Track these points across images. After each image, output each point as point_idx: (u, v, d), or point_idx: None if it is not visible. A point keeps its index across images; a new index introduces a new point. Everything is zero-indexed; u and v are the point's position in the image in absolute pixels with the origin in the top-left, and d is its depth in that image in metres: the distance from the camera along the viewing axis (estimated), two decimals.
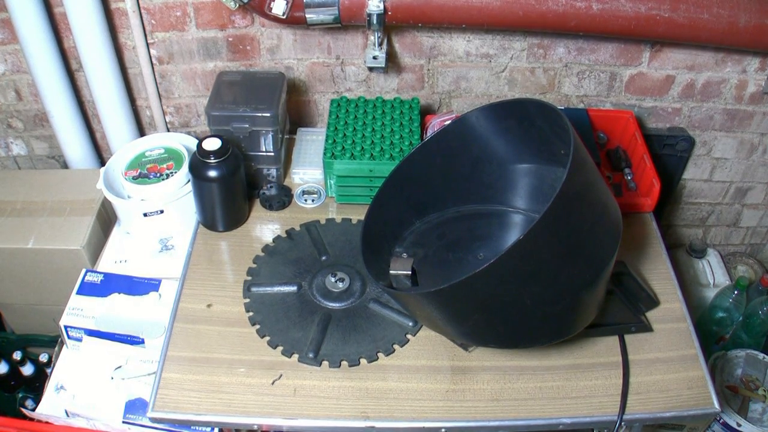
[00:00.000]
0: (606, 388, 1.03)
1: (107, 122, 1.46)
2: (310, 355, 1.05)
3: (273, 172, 1.33)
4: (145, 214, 1.25)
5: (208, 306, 1.13)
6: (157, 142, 1.34)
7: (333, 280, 1.16)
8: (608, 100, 1.53)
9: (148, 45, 1.39)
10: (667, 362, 1.07)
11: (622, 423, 1.00)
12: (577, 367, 1.06)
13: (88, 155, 1.54)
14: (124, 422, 1.09)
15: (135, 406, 1.10)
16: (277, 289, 1.16)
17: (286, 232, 1.26)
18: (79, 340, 1.18)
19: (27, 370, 1.46)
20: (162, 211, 1.25)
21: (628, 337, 1.10)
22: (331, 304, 1.13)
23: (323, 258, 1.21)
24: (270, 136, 1.26)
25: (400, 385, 1.03)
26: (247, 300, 1.14)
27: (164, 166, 1.28)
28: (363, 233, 1.06)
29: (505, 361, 1.06)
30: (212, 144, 1.17)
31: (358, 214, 1.29)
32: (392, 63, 1.44)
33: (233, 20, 1.37)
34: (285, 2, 1.22)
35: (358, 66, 1.45)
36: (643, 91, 1.50)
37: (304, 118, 1.56)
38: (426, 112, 1.51)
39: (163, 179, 1.25)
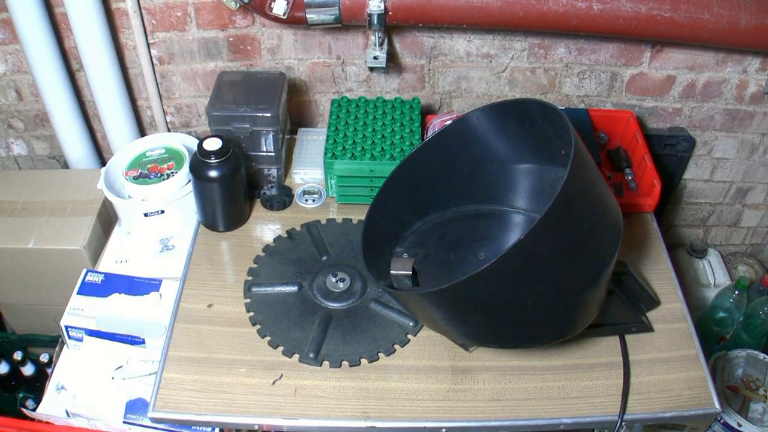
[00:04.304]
0: (607, 388, 1.03)
1: (108, 122, 1.46)
2: (311, 355, 1.05)
3: (274, 172, 1.33)
4: (145, 214, 1.25)
5: (209, 306, 1.13)
6: (157, 142, 1.34)
7: (334, 280, 1.16)
8: (609, 100, 1.53)
9: (148, 45, 1.39)
10: (667, 362, 1.07)
11: (623, 423, 1.00)
12: (577, 367, 1.06)
13: (88, 155, 1.54)
14: (124, 422, 1.09)
15: (136, 406, 1.10)
16: (277, 289, 1.16)
17: (287, 232, 1.26)
18: (80, 340, 1.18)
19: (28, 370, 1.46)
20: (163, 211, 1.26)
21: (628, 337, 1.10)
22: (331, 304, 1.13)
23: (324, 258, 1.21)
24: (271, 136, 1.26)
25: (400, 385, 1.03)
26: (248, 300, 1.14)
27: (165, 166, 1.28)
28: (364, 233, 1.06)
29: (505, 361, 1.06)
30: (213, 144, 1.17)
31: (358, 214, 1.29)
32: (393, 63, 1.44)
33: (234, 20, 1.37)
34: (286, 2, 1.22)
35: (359, 66, 1.45)
36: (643, 91, 1.50)
37: (304, 118, 1.56)
38: (427, 112, 1.51)
39: (163, 179, 1.26)
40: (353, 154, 1.25)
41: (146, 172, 1.27)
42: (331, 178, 1.28)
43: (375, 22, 1.22)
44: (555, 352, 1.08)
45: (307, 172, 1.38)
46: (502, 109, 1.07)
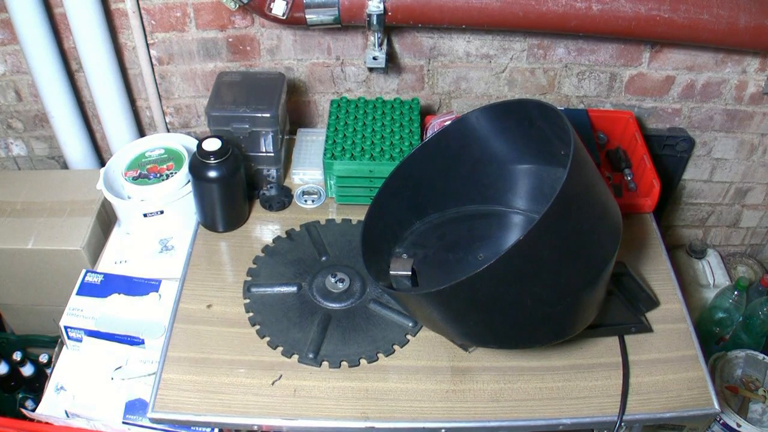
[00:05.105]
0: (606, 389, 1.03)
1: (107, 123, 1.46)
2: (310, 356, 1.05)
3: (273, 172, 1.33)
4: (145, 215, 1.25)
5: (208, 306, 1.13)
6: (157, 142, 1.34)
7: (333, 280, 1.16)
8: (608, 101, 1.53)
9: (148, 45, 1.39)
10: (667, 363, 1.07)
11: (622, 423, 1.00)
12: (577, 367, 1.06)
13: (88, 156, 1.54)
14: (124, 423, 1.09)
15: (135, 407, 1.10)
16: (277, 289, 1.16)
17: (286, 232, 1.26)
18: (79, 340, 1.18)
19: (27, 370, 1.46)
20: (162, 212, 1.26)
21: (628, 338, 1.10)
22: (331, 304, 1.13)
23: (323, 258, 1.21)
24: (270, 136, 1.26)
25: (400, 385, 1.03)
26: (247, 300, 1.14)
27: (164, 166, 1.28)
28: (363, 234, 1.06)
29: (505, 361, 1.06)
30: (212, 144, 1.17)
31: (358, 215, 1.29)
32: (392, 63, 1.44)
33: (233, 21, 1.37)
34: (285, 3, 1.22)
35: (358, 66, 1.45)
36: (643, 91, 1.50)
37: (304, 118, 1.56)
38: (426, 112, 1.51)
39: (163, 180, 1.26)
40: (352, 154, 1.25)
41: (145, 172, 1.27)
42: (331, 178, 1.28)
43: (374, 22, 1.23)
44: (554, 352, 1.08)
45: (307, 173, 1.38)
46: (501, 109, 1.07)
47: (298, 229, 1.27)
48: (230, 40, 1.40)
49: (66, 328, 1.17)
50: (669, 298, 1.16)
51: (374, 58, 1.30)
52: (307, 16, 1.23)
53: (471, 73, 1.47)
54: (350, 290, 1.15)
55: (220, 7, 1.33)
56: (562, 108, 1.48)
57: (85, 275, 1.23)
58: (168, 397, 1.00)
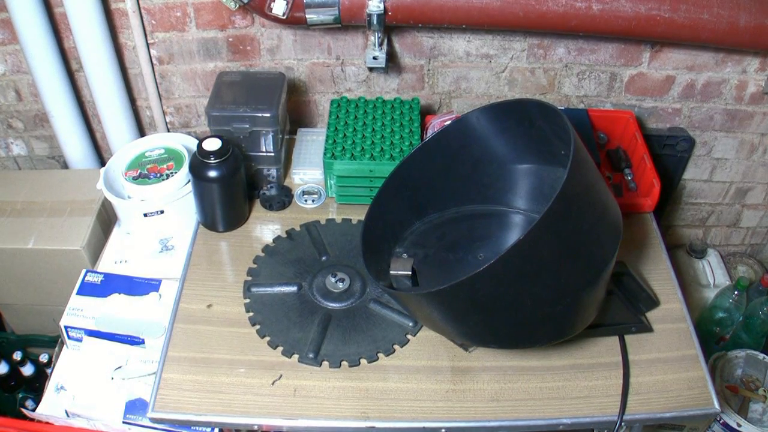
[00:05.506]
0: (606, 389, 1.03)
1: (107, 122, 1.46)
2: (311, 356, 1.05)
3: (273, 172, 1.33)
4: (145, 215, 1.25)
5: (209, 306, 1.13)
6: (157, 142, 1.34)
7: (333, 280, 1.16)
8: (608, 101, 1.53)
9: (148, 45, 1.39)
10: (667, 362, 1.07)
11: (623, 423, 1.00)
12: (577, 367, 1.06)
13: (88, 155, 1.54)
14: (124, 422, 1.09)
15: (135, 407, 1.10)
16: (277, 289, 1.16)
17: (287, 232, 1.26)
18: (80, 340, 1.18)
19: (27, 370, 1.46)
20: (162, 212, 1.26)
21: (628, 338, 1.10)
22: (331, 304, 1.13)
23: (323, 258, 1.21)
24: (270, 136, 1.26)
25: (400, 385, 1.03)
26: (248, 300, 1.14)
27: (164, 166, 1.28)
28: (363, 233, 1.06)
29: (505, 361, 1.06)
30: (212, 144, 1.17)
31: (358, 215, 1.29)
32: (392, 63, 1.44)
33: (233, 20, 1.37)
34: (285, 2, 1.22)
35: (359, 66, 1.45)
36: (643, 91, 1.50)
37: (304, 118, 1.56)
38: (426, 112, 1.51)
39: (163, 179, 1.26)
40: (353, 154, 1.25)
41: (146, 172, 1.27)
42: (331, 178, 1.28)
43: (374, 22, 1.23)
44: (554, 352, 1.08)
45: (307, 173, 1.38)
46: (501, 109, 1.07)
47: (298, 228, 1.27)
48: (230, 39, 1.40)
49: (66, 327, 1.17)
50: (669, 298, 1.16)
51: (374, 58, 1.30)
52: (307, 16, 1.23)
53: (471, 73, 1.47)
54: (350, 290, 1.15)
55: (220, 6, 1.33)
56: (562, 108, 1.48)
57: (85, 275, 1.23)
58: (168, 396, 1.00)
